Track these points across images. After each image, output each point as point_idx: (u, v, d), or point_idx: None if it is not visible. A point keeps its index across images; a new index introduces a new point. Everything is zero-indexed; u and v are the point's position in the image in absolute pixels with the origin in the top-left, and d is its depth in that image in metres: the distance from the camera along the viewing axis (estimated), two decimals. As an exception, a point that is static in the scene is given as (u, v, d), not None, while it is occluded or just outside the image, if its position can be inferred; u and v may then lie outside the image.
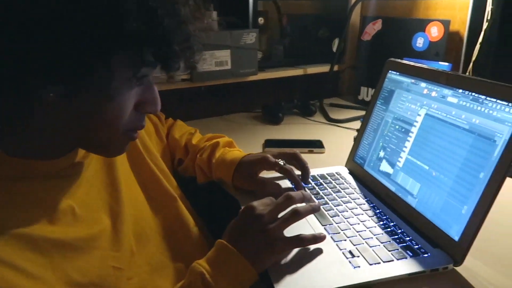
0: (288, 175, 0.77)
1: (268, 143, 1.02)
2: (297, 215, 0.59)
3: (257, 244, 0.56)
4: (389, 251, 0.58)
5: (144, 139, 0.75)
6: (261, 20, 1.31)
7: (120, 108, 0.50)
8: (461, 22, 1.18)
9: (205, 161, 0.82)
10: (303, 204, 0.63)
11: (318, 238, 0.60)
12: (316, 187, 0.78)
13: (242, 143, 0.86)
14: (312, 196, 0.74)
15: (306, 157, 0.81)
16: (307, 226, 0.65)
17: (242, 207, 0.62)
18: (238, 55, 1.22)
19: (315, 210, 0.63)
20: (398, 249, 0.59)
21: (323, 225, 0.65)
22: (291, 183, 0.78)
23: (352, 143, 0.88)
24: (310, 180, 0.80)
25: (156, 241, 0.67)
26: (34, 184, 0.50)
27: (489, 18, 1.05)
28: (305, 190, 0.76)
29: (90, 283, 0.52)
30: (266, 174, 0.79)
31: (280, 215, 0.60)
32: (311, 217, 0.67)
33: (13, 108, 0.48)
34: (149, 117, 0.85)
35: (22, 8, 0.40)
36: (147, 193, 0.71)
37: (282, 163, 0.76)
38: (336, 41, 1.46)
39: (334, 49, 1.46)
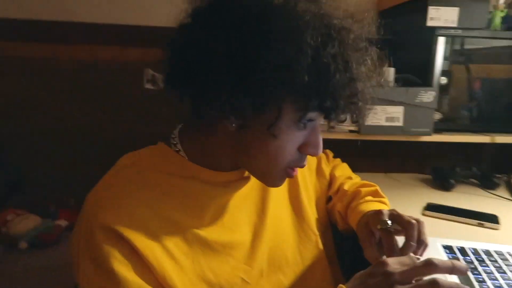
0: (383, 239, 0.66)
1: (430, 207, 0.93)
2: (435, 286, 0.50)
3: None
4: None
5: (304, 175, 0.80)
6: (443, 80, 1.24)
7: (283, 146, 0.55)
8: None
9: (344, 208, 0.81)
10: (449, 277, 0.54)
11: None
12: (475, 261, 0.67)
13: (401, 203, 0.80)
14: (468, 271, 0.60)
15: (473, 229, 0.70)
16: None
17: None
18: (412, 113, 1.17)
19: None
20: None
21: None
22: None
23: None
24: (470, 252, 0.69)
25: (286, 271, 0.69)
26: (198, 186, 0.59)
27: None
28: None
29: (219, 285, 0.58)
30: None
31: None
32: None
33: (204, 129, 0.59)
34: None
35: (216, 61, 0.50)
36: (294, 225, 0.74)
37: (388, 224, 0.66)
38: (540, 110, 1.25)
39: (536, 118, 1.25)
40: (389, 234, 0.66)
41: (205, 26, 0.52)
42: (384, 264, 0.54)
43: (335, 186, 0.88)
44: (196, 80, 0.52)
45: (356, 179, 0.92)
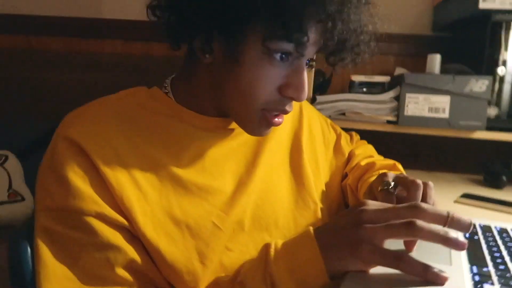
0: (383, 201, 0.56)
1: (466, 195, 0.81)
2: (411, 229, 0.42)
3: (340, 238, 0.45)
4: None
5: (315, 147, 0.75)
6: (501, 71, 1.09)
7: (255, 81, 0.52)
8: None
9: (356, 181, 0.74)
10: (439, 227, 0.44)
11: (434, 276, 0.41)
12: (497, 236, 0.55)
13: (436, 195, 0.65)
14: (471, 225, 0.43)
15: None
16: (441, 253, 0.46)
17: None
18: (461, 103, 1.05)
19: (450, 243, 0.42)
20: None
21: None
22: None
23: None
24: (495, 229, 0.58)
25: (273, 233, 0.63)
26: (180, 126, 0.58)
27: None
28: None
29: (185, 223, 0.55)
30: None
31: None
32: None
33: (188, 71, 0.59)
34: (335, 129, 0.85)
35: None
36: (292, 190, 0.69)
37: (390, 185, 0.57)
38: None
39: None
40: (390, 195, 0.58)
41: None
42: (361, 203, 0.47)
43: (353, 163, 0.81)
44: (170, 5, 0.53)
45: (377, 157, 0.84)
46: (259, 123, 0.57)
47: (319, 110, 1.09)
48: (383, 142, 1.17)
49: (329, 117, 1.11)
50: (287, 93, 0.53)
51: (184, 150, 0.58)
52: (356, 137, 0.92)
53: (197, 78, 0.58)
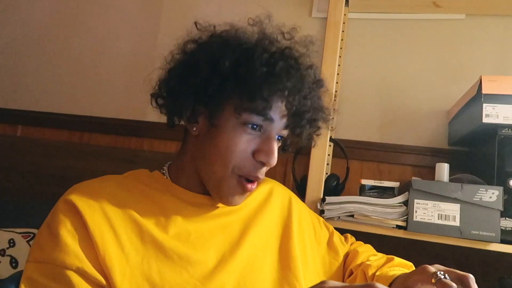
0: None
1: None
2: None
3: None
4: None
5: (303, 235, 0.79)
6: (513, 183, 1.09)
7: (230, 142, 0.62)
8: None
9: (370, 275, 0.74)
10: None
11: None
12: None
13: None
14: None
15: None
16: None
17: None
18: (471, 213, 1.04)
19: None
20: None
21: None
22: None
23: None
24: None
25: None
26: (169, 198, 0.67)
27: None
28: None
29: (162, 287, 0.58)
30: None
31: None
32: None
33: (180, 152, 0.70)
34: (327, 227, 0.88)
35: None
36: (277, 273, 0.71)
37: (441, 276, 0.55)
38: None
39: None
40: (446, 284, 0.52)
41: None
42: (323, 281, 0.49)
43: (358, 260, 0.81)
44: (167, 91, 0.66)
45: (382, 259, 0.83)
46: (234, 188, 0.64)
47: (327, 210, 1.12)
48: (392, 247, 1.15)
49: (338, 218, 1.13)
50: (259, 157, 0.62)
51: (171, 221, 0.64)
52: (352, 239, 0.93)
53: (186, 153, 0.68)
